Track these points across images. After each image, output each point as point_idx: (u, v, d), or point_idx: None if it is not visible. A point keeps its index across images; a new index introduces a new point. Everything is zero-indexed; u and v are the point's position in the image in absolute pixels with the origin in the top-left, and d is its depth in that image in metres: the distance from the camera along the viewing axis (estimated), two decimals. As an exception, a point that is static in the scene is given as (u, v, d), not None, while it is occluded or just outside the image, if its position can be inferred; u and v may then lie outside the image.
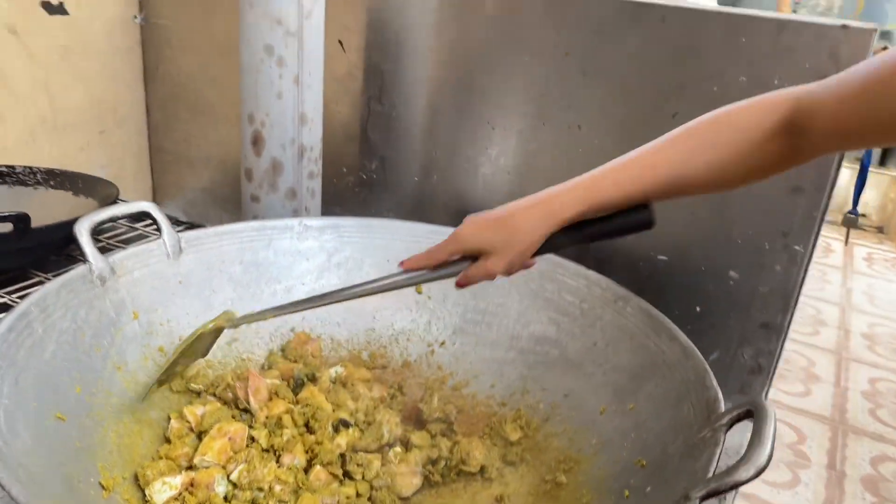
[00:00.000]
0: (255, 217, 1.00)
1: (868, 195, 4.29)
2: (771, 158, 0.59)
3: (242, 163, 0.98)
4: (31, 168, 1.06)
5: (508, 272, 0.67)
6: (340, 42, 1.09)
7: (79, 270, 0.75)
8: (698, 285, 0.91)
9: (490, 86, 1.00)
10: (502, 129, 1.00)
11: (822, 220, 0.84)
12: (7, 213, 0.77)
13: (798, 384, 2.67)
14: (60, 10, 1.18)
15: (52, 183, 1.05)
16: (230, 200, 1.31)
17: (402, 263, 0.70)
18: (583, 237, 0.66)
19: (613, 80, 0.89)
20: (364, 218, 0.98)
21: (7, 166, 1.05)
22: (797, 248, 0.83)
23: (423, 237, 0.95)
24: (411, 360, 0.93)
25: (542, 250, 0.66)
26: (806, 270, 0.84)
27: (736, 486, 0.48)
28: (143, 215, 0.82)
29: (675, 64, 0.85)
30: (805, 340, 3.00)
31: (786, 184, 0.81)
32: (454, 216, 1.08)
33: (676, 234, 0.91)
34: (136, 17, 1.30)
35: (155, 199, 1.44)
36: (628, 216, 0.64)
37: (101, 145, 1.31)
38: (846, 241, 3.92)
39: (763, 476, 0.49)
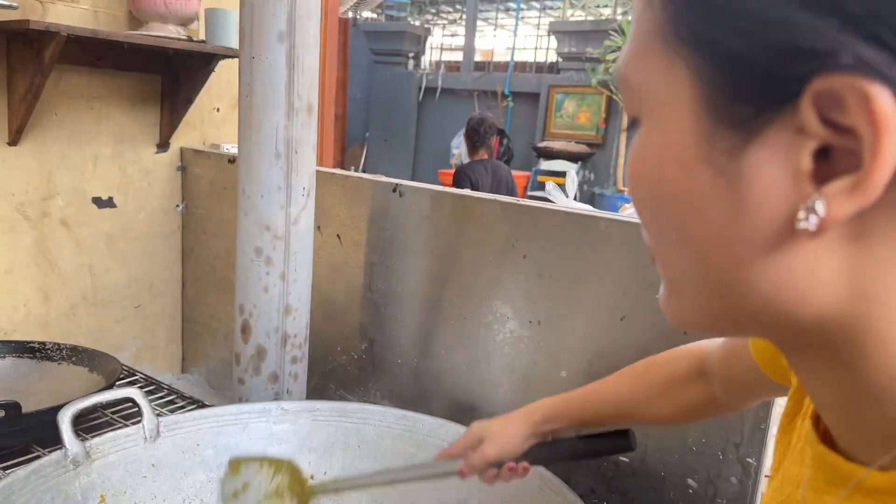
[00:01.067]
0: (241, 398, 1.06)
1: None
2: (695, 402, 0.64)
3: (233, 348, 1.07)
4: (58, 344, 1.18)
5: (499, 460, 0.72)
6: (339, 236, 1.20)
7: (52, 456, 0.82)
8: (660, 491, 0.89)
9: (464, 282, 1.06)
10: (473, 322, 1.05)
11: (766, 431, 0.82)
12: (2, 402, 0.87)
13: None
14: (110, 203, 1.36)
15: (73, 359, 1.16)
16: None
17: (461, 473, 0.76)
18: (568, 454, 0.72)
19: (566, 283, 0.94)
20: (339, 402, 1.02)
21: (39, 342, 1.18)
22: (749, 460, 0.81)
23: (394, 422, 0.98)
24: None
25: (531, 459, 0.72)
26: (757, 484, 0.81)
27: None
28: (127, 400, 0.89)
29: (619, 271, 0.88)
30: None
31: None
32: (443, 403, 1.11)
33: (638, 439, 0.91)
34: (178, 206, 1.47)
35: (183, 366, 1.55)
36: (609, 440, 0.71)
37: (136, 318, 1.45)
38: None
39: None
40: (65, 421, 0.84)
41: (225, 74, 1.44)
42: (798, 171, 0.26)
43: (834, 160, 0.26)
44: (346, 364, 1.22)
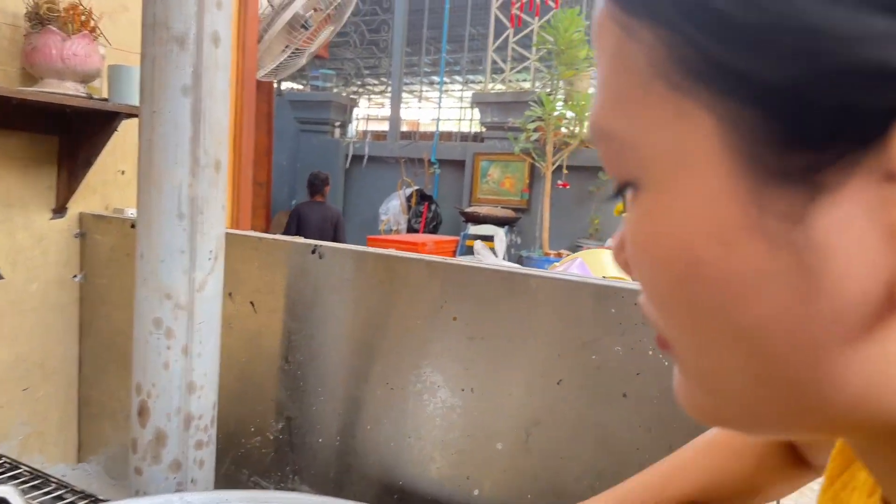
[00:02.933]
0: (138, 491, 0.94)
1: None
2: (780, 470, 0.53)
3: (129, 434, 0.94)
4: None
5: None
6: (252, 303, 1.10)
7: None
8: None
9: (391, 349, 0.98)
10: (401, 392, 0.97)
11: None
12: None
13: None
14: (-5, 275, 1.23)
15: (-61, 454, 1.01)
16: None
17: None
18: None
19: (498, 346, 0.88)
20: (252, 490, 0.91)
21: None
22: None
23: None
24: None
25: None
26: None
27: None
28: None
29: (552, 332, 0.83)
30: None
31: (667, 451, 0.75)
32: (370, 483, 1.01)
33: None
34: (76, 276, 1.35)
35: (79, 455, 1.39)
36: None
37: (24, 402, 1.29)
38: None
39: None
40: (-88, 532, 0.70)
41: (131, 135, 1.36)
42: (893, 230, 0.20)
43: None
44: (260, 446, 1.10)
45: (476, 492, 0.90)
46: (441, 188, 7.12)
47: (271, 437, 1.10)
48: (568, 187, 6.02)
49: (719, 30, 0.21)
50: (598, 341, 0.80)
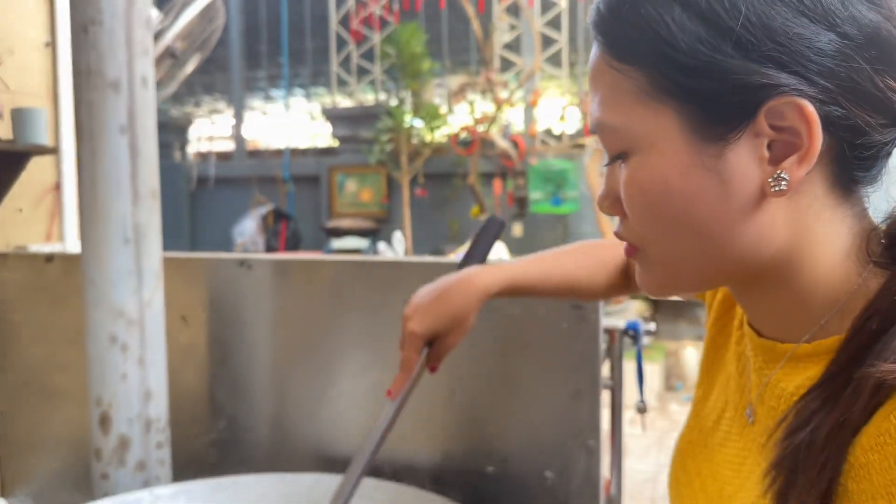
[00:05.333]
0: (105, 495, 1.02)
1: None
2: (620, 283, 0.80)
3: (91, 444, 1.03)
4: None
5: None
6: (184, 317, 1.21)
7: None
8: (523, 489, 1.03)
9: (323, 340, 1.14)
10: (331, 376, 1.14)
11: (614, 411, 1.01)
12: None
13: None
14: None
15: None
16: (83, 481, 1.31)
17: (388, 393, 0.78)
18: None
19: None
20: (213, 478, 1.03)
21: None
22: (590, 442, 0.99)
23: (272, 487, 1.02)
24: None
25: None
26: (617, 455, 0.99)
27: None
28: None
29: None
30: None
31: (567, 390, 0.99)
32: (314, 460, 1.16)
33: (499, 446, 1.05)
34: (-17, 315, 1.36)
35: (3, 492, 1.40)
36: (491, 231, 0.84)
37: (-59, 445, 1.29)
38: (643, 427, 4.21)
39: None
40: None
41: (27, 173, 1.40)
42: (761, 159, 0.43)
43: (775, 149, 0.43)
44: (206, 446, 1.21)
45: (407, 447, 1.09)
46: (298, 205, 7.14)
47: (215, 437, 1.21)
48: (425, 195, 6.30)
49: (677, 69, 0.43)
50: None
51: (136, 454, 1.03)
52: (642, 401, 1.14)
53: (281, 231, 6.87)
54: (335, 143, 7.11)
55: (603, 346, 1.05)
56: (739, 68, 0.41)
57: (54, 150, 1.30)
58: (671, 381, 5.16)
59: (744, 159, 0.43)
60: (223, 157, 7.70)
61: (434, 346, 0.77)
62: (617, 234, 0.51)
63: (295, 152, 7.37)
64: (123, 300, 1.01)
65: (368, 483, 0.97)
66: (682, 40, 0.42)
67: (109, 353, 1.01)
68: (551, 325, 1.00)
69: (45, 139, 1.30)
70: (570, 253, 0.81)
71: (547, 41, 6.10)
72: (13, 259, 1.36)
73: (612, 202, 0.50)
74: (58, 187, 1.50)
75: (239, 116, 7.57)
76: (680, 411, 4.60)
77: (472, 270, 0.76)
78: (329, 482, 1.03)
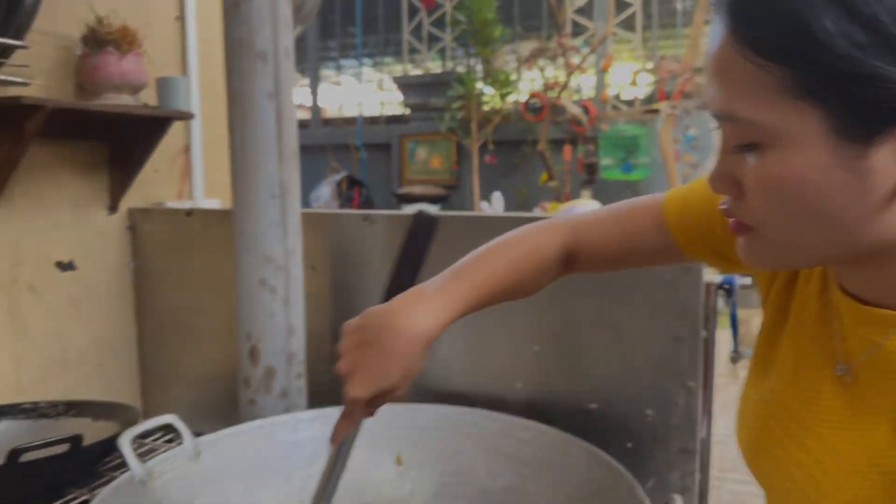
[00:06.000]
0: (253, 419, 1.17)
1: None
2: (554, 271, 0.75)
3: (240, 373, 1.18)
4: (52, 402, 1.22)
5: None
6: (314, 267, 1.35)
7: (124, 477, 0.91)
8: (625, 425, 1.13)
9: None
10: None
11: (707, 359, 1.10)
12: (64, 437, 0.94)
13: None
14: (70, 267, 1.41)
15: (72, 412, 1.21)
16: (218, 409, 1.48)
17: (331, 440, 0.76)
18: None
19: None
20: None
21: (31, 403, 1.21)
22: (690, 384, 1.08)
23: (398, 415, 1.14)
24: (401, 526, 1.08)
25: None
26: (708, 402, 1.07)
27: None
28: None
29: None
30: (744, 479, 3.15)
31: (668, 335, 1.07)
32: (423, 393, 1.29)
33: (602, 385, 1.15)
34: (129, 264, 1.54)
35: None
36: (420, 234, 0.78)
37: (100, 377, 1.48)
38: (735, 375, 4.20)
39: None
40: (126, 445, 0.93)
41: (164, 137, 1.55)
42: None
43: None
44: (332, 381, 1.35)
45: (518, 385, 1.20)
46: (369, 172, 7.31)
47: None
48: (494, 162, 6.36)
49: (830, 73, 0.43)
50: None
51: (281, 383, 1.17)
52: (736, 350, 1.21)
53: (354, 197, 7.05)
54: (406, 112, 7.22)
55: (700, 297, 1.13)
56: (886, 74, 0.42)
57: (191, 116, 1.45)
58: (740, 348, 5.09)
59: (886, 160, 0.44)
60: (300, 126, 7.91)
61: (377, 399, 0.69)
62: (726, 212, 0.53)
63: (367, 121, 7.53)
64: (271, 248, 1.14)
65: (478, 413, 1.09)
66: (839, 45, 0.42)
67: (259, 295, 1.15)
68: (655, 274, 1.08)
69: (185, 105, 1.44)
70: (501, 257, 0.74)
71: (620, 5, 6.01)
72: (155, 214, 1.53)
73: (728, 185, 0.51)
74: (187, 150, 1.65)
75: (314, 87, 7.76)
76: (752, 379, 4.58)
77: (407, 318, 0.66)
78: (446, 412, 1.16)
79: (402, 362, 0.66)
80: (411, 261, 0.77)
